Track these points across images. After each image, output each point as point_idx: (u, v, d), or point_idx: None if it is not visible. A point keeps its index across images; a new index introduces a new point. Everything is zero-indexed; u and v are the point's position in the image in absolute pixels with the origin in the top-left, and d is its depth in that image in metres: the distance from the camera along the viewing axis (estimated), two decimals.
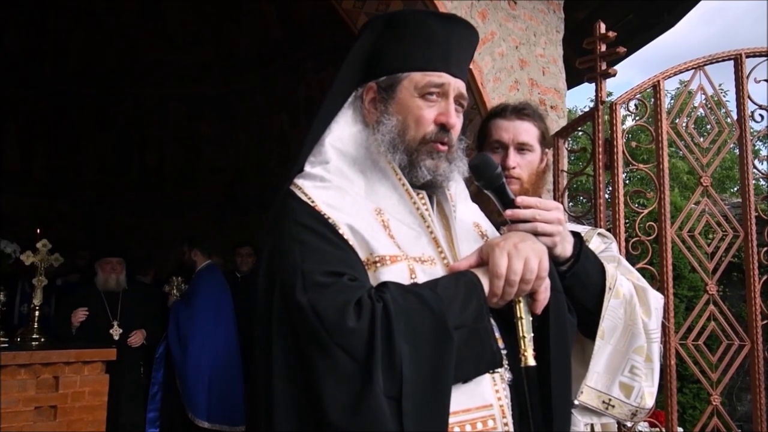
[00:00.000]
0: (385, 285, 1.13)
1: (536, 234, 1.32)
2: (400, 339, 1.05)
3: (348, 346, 1.05)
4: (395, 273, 1.18)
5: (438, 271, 1.23)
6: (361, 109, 1.36)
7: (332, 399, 1.04)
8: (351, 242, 1.19)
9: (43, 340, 4.16)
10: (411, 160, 1.30)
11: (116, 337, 4.91)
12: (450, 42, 1.32)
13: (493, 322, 1.21)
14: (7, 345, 3.96)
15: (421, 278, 1.19)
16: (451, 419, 1.10)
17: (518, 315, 1.19)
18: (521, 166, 1.81)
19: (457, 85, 1.33)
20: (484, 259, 1.20)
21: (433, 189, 1.34)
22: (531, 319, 1.20)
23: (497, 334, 1.22)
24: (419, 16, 1.34)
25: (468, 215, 1.41)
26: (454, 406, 1.10)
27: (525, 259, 1.16)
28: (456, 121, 1.33)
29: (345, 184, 1.28)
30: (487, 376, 1.17)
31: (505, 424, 1.17)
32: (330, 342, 1.05)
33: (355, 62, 1.37)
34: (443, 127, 1.31)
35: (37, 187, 8.41)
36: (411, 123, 1.31)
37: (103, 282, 5.11)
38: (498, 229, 1.50)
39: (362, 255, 1.19)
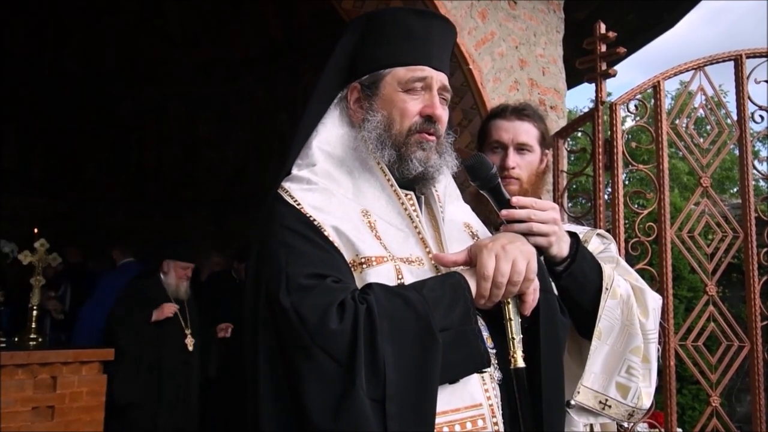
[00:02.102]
0: (369, 287, 1.12)
1: (531, 234, 1.31)
2: (384, 341, 1.05)
3: (330, 348, 1.05)
4: (382, 274, 1.18)
5: (426, 272, 1.23)
6: (346, 110, 1.37)
7: (315, 401, 1.04)
8: (336, 244, 1.19)
9: (40, 340, 4.15)
10: (400, 154, 1.30)
11: (191, 348, 4.45)
12: (429, 36, 1.33)
13: (482, 322, 1.21)
14: (4, 345, 3.96)
15: (409, 279, 1.19)
16: (440, 419, 1.10)
17: (507, 316, 1.19)
18: (521, 166, 1.81)
19: (439, 78, 1.34)
20: (472, 259, 1.20)
21: (423, 183, 1.34)
22: (520, 320, 1.20)
23: (486, 334, 1.22)
24: (397, 13, 1.36)
25: (458, 215, 1.41)
26: (442, 406, 1.10)
27: (513, 261, 1.16)
28: (442, 112, 1.34)
29: (332, 186, 1.28)
30: (475, 376, 1.17)
31: (495, 424, 1.17)
32: (312, 344, 1.05)
33: (338, 64, 1.39)
34: (429, 119, 1.32)
35: (36, 186, 8.40)
36: (396, 116, 1.31)
37: (174, 288, 4.55)
38: (497, 228, 1.49)
39: (348, 256, 1.19)
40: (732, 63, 3.12)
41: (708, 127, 3.23)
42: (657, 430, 2.98)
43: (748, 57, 3.11)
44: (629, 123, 3.31)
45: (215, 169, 8.80)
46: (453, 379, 1.14)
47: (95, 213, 8.60)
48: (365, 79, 1.35)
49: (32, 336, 4.12)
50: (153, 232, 8.23)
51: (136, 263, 5.80)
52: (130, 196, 8.76)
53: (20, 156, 8.45)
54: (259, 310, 1.15)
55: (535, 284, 1.20)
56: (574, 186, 4.33)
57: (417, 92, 1.32)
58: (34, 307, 4.25)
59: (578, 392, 1.53)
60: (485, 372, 1.19)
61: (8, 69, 7.89)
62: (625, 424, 1.95)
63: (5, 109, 8.06)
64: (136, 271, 5.59)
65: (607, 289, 1.51)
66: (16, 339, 4.14)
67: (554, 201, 3.16)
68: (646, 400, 1.56)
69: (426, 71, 1.32)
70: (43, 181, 8.53)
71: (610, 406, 1.55)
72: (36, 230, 4.56)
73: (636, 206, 3.09)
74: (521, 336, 1.18)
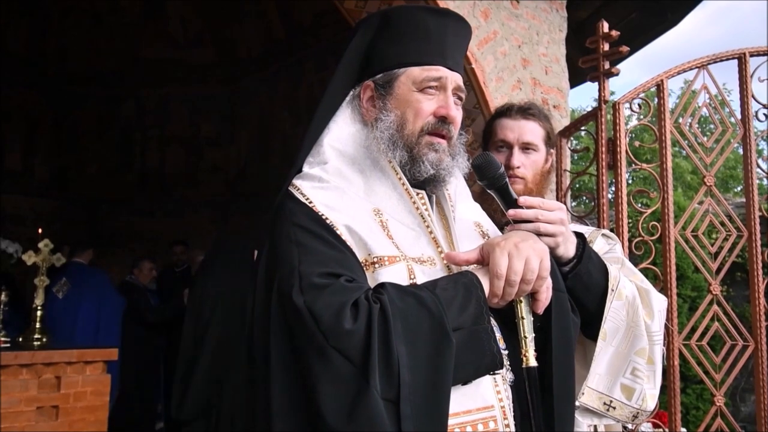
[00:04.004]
0: (382, 286, 1.11)
1: (538, 234, 1.31)
2: (398, 341, 1.04)
3: (344, 348, 1.04)
4: (394, 273, 1.17)
5: (438, 272, 1.22)
6: (359, 108, 1.36)
7: (328, 402, 1.03)
8: (349, 243, 1.18)
9: (45, 340, 4.16)
10: (412, 156, 1.29)
11: None
12: (445, 36, 1.32)
13: (494, 322, 1.20)
14: (9, 345, 3.96)
15: (421, 279, 1.18)
16: (452, 420, 1.09)
17: (519, 315, 1.18)
18: (526, 165, 1.80)
19: (454, 78, 1.33)
20: (484, 258, 1.19)
21: (434, 184, 1.33)
22: (533, 319, 1.19)
23: (498, 335, 1.21)
24: (413, 11, 1.34)
25: (468, 215, 1.40)
26: (454, 408, 1.09)
27: (526, 259, 1.14)
28: (456, 113, 1.32)
29: (343, 185, 1.27)
30: (487, 377, 1.16)
31: (507, 426, 1.16)
32: (326, 344, 1.04)
33: (351, 61, 1.37)
34: (443, 120, 1.31)
35: (39, 186, 8.42)
36: (410, 116, 1.30)
37: None
38: (502, 228, 1.49)
39: (360, 256, 1.18)
40: (735, 61, 3.12)
41: (711, 126, 3.22)
42: (661, 429, 2.98)
43: (751, 55, 3.11)
44: (633, 122, 3.30)
45: (217, 168, 8.80)
46: (465, 380, 1.13)
47: (98, 213, 8.62)
48: (379, 78, 1.33)
49: (36, 336, 4.13)
50: (154, 232, 8.27)
51: (78, 263, 5.79)
52: (132, 196, 8.77)
53: (23, 156, 8.47)
54: (270, 308, 1.14)
55: (548, 282, 1.19)
56: (578, 185, 4.31)
57: (432, 92, 1.31)
58: (38, 307, 4.26)
59: (583, 393, 1.53)
60: (497, 374, 1.17)
61: (11, 69, 7.90)
62: (630, 426, 1.95)
63: (8, 109, 8.07)
64: (77, 270, 5.64)
65: (612, 290, 1.50)
66: (20, 339, 4.15)
67: (557, 200, 3.16)
68: (651, 402, 1.55)
69: (441, 71, 1.31)
70: (46, 182, 8.54)
71: (614, 408, 1.55)
72: (40, 231, 4.55)
73: (639, 205, 3.09)
74: (533, 335, 1.17)
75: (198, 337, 3.95)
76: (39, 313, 4.22)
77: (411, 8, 1.35)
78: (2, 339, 3.99)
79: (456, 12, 1.39)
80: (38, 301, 4.24)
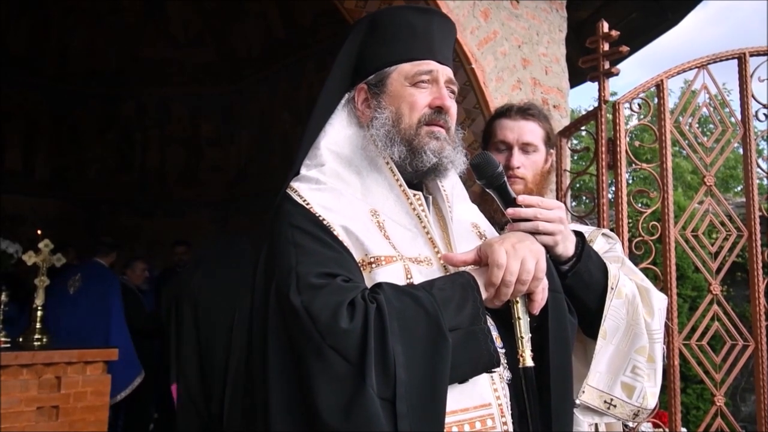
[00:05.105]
0: (379, 286, 1.12)
1: (537, 233, 1.31)
2: (394, 340, 1.05)
3: (341, 347, 1.05)
4: (391, 273, 1.18)
5: (434, 272, 1.23)
6: (354, 111, 1.38)
7: (325, 400, 1.03)
8: (346, 243, 1.19)
9: (45, 340, 4.16)
10: (412, 148, 1.30)
11: None
12: (431, 32, 1.35)
13: (492, 322, 1.21)
14: (9, 345, 3.97)
15: (418, 279, 1.19)
16: (449, 419, 1.10)
17: (516, 316, 1.19)
18: (526, 166, 1.80)
19: (445, 71, 1.35)
20: (482, 259, 1.19)
21: (435, 175, 1.34)
22: (529, 319, 1.20)
23: (496, 334, 1.21)
24: (398, 12, 1.37)
25: (466, 215, 1.41)
26: (452, 406, 1.09)
27: (522, 260, 1.15)
28: (451, 103, 1.34)
29: (340, 186, 1.28)
30: (484, 375, 1.17)
31: (504, 424, 1.17)
32: (323, 343, 1.05)
33: (344, 66, 1.39)
34: (439, 110, 1.32)
35: (39, 186, 8.42)
36: (405, 110, 1.32)
37: None
38: (501, 228, 1.49)
39: (357, 256, 1.19)
40: (735, 61, 3.12)
41: (711, 126, 3.23)
42: (661, 429, 2.98)
43: (751, 55, 3.11)
44: (633, 122, 3.31)
45: (218, 168, 8.81)
46: (462, 379, 1.14)
47: (98, 213, 8.62)
48: (371, 79, 1.35)
49: (37, 336, 4.13)
50: (155, 232, 8.28)
51: (97, 263, 5.75)
52: (133, 196, 8.77)
53: (24, 156, 8.47)
54: (269, 308, 1.15)
55: (544, 283, 1.20)
56: (578, 185, 4.32)
57: (424, 85, 1.32)
58: (39, 308, 4.26)
59: (583, 391, 1.53)
60: (494, 372, 1.18)
61: (12, 69, 7.91)
62: (630, 424, 1.95)
63: (8, 109, 8.08)
64: (94, 269, 5.57)
65: (612, 288, 1.50)
66: (20, 339, 4.15)
67: (557, 200, 3.16)
68: (651, 400, 1.56)
69: (431, 65, 1.33)
70: (46, 182, 8.54)
71: (615, 406, 1.55)
72: (39, 231, 4.55)
73: (639, 205, 3.09)
74: (530, 335, 1.18)
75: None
76: (39, 313, 4.22)
77: (396, 9, 1.38)
78: (2, 339, 4.00)
79: (440, 10, 1.42)
80: (38, 301, 4.24)
